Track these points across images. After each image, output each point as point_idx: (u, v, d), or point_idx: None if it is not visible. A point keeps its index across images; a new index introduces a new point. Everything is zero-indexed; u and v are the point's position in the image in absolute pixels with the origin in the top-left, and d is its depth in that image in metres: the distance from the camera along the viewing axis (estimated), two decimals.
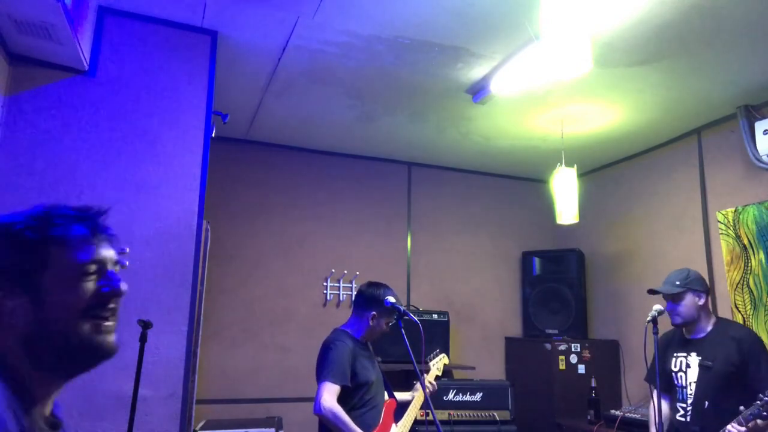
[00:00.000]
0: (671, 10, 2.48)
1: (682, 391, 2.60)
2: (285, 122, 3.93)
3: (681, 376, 2.61)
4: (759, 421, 2.15)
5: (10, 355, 0.81)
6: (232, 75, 3.19)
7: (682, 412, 2.58)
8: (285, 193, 4.33)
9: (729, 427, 2.21)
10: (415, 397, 2.74)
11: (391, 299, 2.51)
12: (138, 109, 2.59)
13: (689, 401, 2.55)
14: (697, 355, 2.56)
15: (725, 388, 2.44)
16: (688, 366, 2.59)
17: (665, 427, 2.65)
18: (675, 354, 2.66)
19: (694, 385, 2.54)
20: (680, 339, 2.68)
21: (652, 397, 2.78)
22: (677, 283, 2.58)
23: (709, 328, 2.59)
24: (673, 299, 2.59)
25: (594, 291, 4.74)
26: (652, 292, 2.67)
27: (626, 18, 2.54)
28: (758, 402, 2.15)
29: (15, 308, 0.81)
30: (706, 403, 2.47)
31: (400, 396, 2.81)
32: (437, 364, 2.97)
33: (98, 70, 2.55)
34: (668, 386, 2.67)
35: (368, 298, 2.60)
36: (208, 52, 2.76)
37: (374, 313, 2.57)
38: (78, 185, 2.42)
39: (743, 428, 2.17)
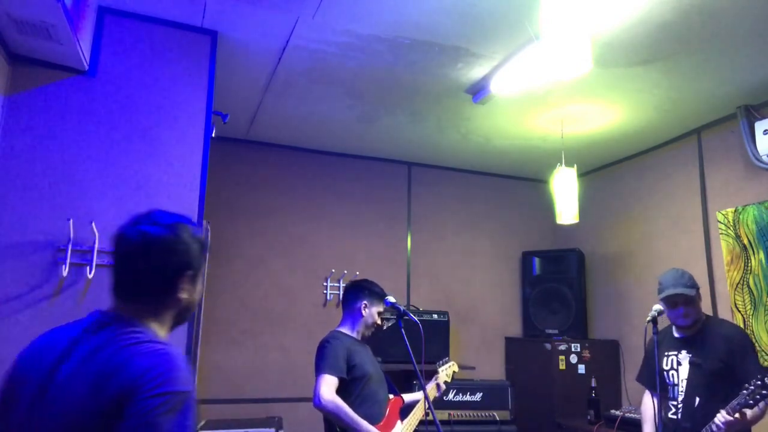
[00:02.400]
0: (671, 10, 2.48)
1: (674, 389, 2.62)
2: (285, 122, 3.93)
3: (672, 375, 2.62)
4: (747, 411, 2.19)
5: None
6: (232, 75, 3.19)
7: (673, 410, 2.60)
8: (285, 193, 4.33)
9: (717, 417, 2.24)
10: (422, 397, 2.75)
11: (391, 299, 2.53)
12: (138, 109, 2.59)
13: (680, 399, 2.57)
14: (688, 353, 2.58)
15: (715, 385, 2.46)
16: (679, 364, 2.61)
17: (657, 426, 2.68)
18: (666, 353, 2.67)
19: (685, 383, 2.56)
20: (671, 338, 2.68)
21: (646, 397, 2.81)
22: (689, 284, 2.55)
23: (699, 326, 2.61)
24: (692, 300, 2.55)
25: (594, 291, 4.74)
26: (674, 297, 2.53)
27: (626, 18, 2.54)
28: (744, 391, 2.18)
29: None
30: (697, 399, 2.49)
31: (410, 397, 2.81)
32: (446, 370, 2.95)
33: (98, 70, 2.55)
34: (660, 385, 2.68)
35: (355, 290, 2.66)
36: (208, 52, 2.76)
37: (364, 302, 2.61)
38: (78, 185, 2.42)
39: (731, 418, 2.20)
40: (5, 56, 2.38)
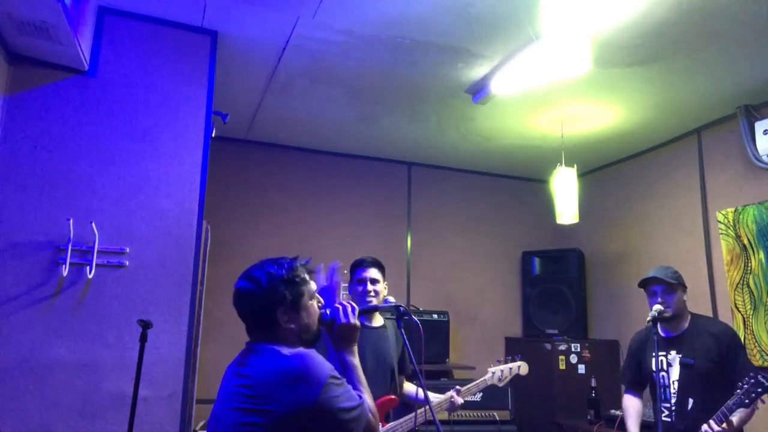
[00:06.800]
0: (671, 10, 2.48)
1: (665, 390, 2.55)
2: (285, 122, 3.93)
3: (663, 376, 2.56)
4: (734, 418, 2.20)
5: None
6: (232, 75, 3.19)
7: (666, 412, 2.52)
8: (285, 193, 4.33)
9: (703, 427, 2.24)
10: (437, 401, 2.58)
11: (391, 299, 2.49)
12: (138, 109, 2.59)
13: (673, 400, 2.51)
14: (677, 353, 2.54)
15: (707, 385, 2.43)
16: (669, 365, 2.55)
17: (641, 427, 2.66)
18: (654, 354, 2.63)
19: (676, 384, 2.51)
20: (658, 338, 2.65)
21: (627, 396, 2.78)
22: (670, 275, 2.55)
23: (686, 325, 2.58)
24: (670, 289, 2.54)
25: (594, 291, 4.74)
26: (648, 281, 2.57)
27: (626, 18, 2.54)
28: (738, 391, 2.18)
29: None
30: (690, 400, 2.46)
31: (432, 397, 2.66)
32: (497, 373, 2.76)
33: (98, 70, 2.55)
34: (650, 387, 2.65)
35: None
36: (208, 52, 2.76)
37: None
38: (78, 185, 2.42)
39: (718, 428, 2.18)
40: (5, 56, 2.38)
